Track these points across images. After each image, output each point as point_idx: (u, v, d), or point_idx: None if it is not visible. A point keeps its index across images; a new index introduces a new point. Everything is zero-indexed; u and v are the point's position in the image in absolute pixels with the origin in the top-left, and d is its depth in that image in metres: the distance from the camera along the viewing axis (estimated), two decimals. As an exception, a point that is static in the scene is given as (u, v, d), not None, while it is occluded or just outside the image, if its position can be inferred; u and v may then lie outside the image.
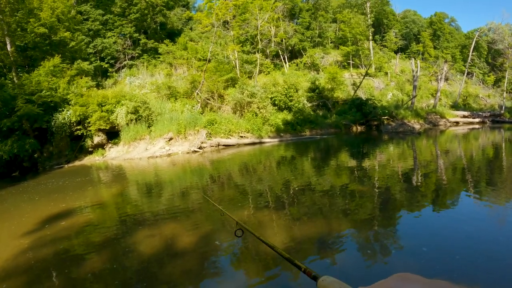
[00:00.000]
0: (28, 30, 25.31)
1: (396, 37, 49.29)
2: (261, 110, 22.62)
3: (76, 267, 4.89)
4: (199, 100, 23.48)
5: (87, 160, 21.20)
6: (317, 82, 29.35)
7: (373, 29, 45.29)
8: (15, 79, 24.31)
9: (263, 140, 20.94)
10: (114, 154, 21.10)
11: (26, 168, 21.30)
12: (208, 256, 4.90)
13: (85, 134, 21.59)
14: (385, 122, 25.60)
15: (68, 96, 21.96)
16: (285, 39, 35.62)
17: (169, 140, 20.14)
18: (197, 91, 23.77)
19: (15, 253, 5.70)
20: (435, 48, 52.03)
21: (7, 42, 24.44)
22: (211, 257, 4.87)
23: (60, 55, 24.28)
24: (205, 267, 4.54)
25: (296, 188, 8.63)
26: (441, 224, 5.53)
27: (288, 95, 24.44)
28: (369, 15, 44.17)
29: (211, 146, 19.80)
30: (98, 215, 7.91)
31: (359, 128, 25.71)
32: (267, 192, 8.50)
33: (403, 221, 5.87)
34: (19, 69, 25.88)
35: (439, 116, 29.19)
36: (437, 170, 10.18)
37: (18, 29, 25.45)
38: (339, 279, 0.79)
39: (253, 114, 22.45)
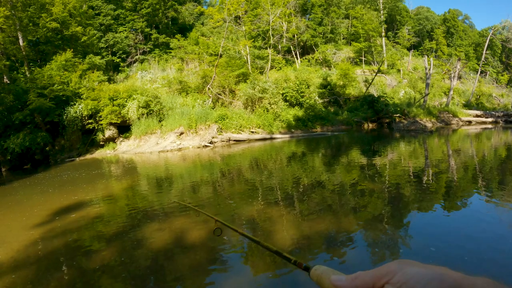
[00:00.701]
0: (40, 25, 25.56)
1: (409, 34, 48.76)
2: (272, 106, 22.52)
3: (85, 259, 4.90)
4: (210, 95, 23.46)
5: (98, 154, 21.34)
6: (328, 79, 29.15)
7: (385, 26, 44.87)
8: (27, 73, 24.58)
9: (274, 136, 20.85)
10: (125, 148, 21.21)
11: (38, 161, 21.52)
12: (216, 251, 4.88)
13: (96, 128, 21.76)
14: (397, 120, 25.34)
15: (80, 90, 22.14)
16: (297, 35, 35.43)
17: (180, 135, 20.15)
18: (208, 86, 23.75)
19: (26, 244, 5.75)
20: (448, 45, 51.40)
21: (19, 37, 24.69)
22: (220, 252, 4.85)
23: (72, 50, 24.50)
24: (213, 262, 4.52)
25: (306, 185, 8.54)
26: (451, 225, 5.42)
27: (299, 91, 24.33)
28: (382, 11, 43.75)
29: (222, 141, 19.78)
30: (109, 208, 7.93)
31: (370, 125, 25.46)
32: (277, 188, 8.43)
33: (412, 220, 5.77)
34: (31, 64, 26.15)
35: (451, 115, 28.79)
36: (448, 169, 9.98)
37: (30, 24, 25.71)
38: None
39: (264, 110, 22.38)
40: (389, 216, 5.96)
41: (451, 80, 33.20)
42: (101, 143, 22.28)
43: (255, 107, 22.77)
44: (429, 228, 5.32)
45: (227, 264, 4.41)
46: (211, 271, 4.27)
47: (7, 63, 23.94)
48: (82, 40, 28.03)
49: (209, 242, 5.16)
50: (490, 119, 29.93)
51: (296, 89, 24.31)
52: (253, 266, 4.33)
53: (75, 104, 21.63)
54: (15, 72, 25.12)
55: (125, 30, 34.17)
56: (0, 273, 4.68)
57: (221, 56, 26.09)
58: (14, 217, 7.96)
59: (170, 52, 32.79)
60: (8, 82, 23.45)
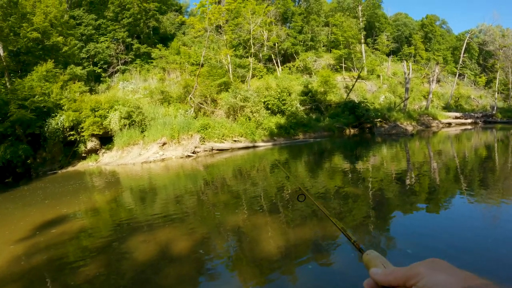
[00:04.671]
0: (21, 34, 25.21)
1: (388, 40, 49.68)
2: (254, 114, 22.67)
3: (70, 274, 4.89)
4: (192, 105, 23.49)
5: (81, 166, 21.12)
6: (309, 86, 29.50)
7: (365, 32, 45.63)
8: (7, 84, 24.16)
9: (257, 144, 20.98)
10: (108, 160, 21.04)
11: (19, 174, 21.15)
12: (203, 261, 4.93)
13: (78, 139, 21.49)
14: (378, 124, 25.79)
15: (61, 101, 21.88)
16: (277, 43, 35.75)
17: (163, 145, 20.10)
18: (190, 95, 23.79)
19: (9, 259, 5.71)
20: (426, 50, 52.53)
21: (0, 47, 24.32)
22: (207, 261, 4.90)
23: (53, 60, 24.20)
24: (200, 272, 4.57)
25: (291, 192, 8.67)
26: (434, 225, 5.63)
27: (281, 99, 24.51)
28: (361, 19, 44.50)
29: (205, 151, 19.80)
30: (92, 221, 7.91)
31: (352, 130, 25.82)
32: (261, 196, 8.55)
33: (397, 223, 5.95)
34: (11, 74, 25.74)
35: (431, 118, 29.47)
36: (430, 171, 10.29)
37: (11, 34, 25.33)
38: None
39: (246, 118, 22.49)
40: (373, 219, 6.14)
41: (430, 84, 33.99)
42: (83, 155, 22.02)
43: (237, 115, 22.88)
44: (413, 230, 5.50)
45: (215, 274, 4.46)
46: (199, 282, 4.32)
47: None
48: (63, 50, 27.74)
49: (196, 252, 5.20)
50: (469, 120, 30.78)
51: (277, 97, 24.49)
52: (240, 275, 4.39)
53: (56, 116, 21.35)
54: (-5, 83, 24.77)
55: (107, 40, 33.92)
56: None
57: (202, 65, 26.17)
58: None
59: (152, 62, 32.70)
60: None
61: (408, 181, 8.92)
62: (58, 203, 10.39)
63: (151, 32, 36.34)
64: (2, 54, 24.41)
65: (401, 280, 0.62)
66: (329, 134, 24.55)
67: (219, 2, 32.36)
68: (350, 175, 10.33)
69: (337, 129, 25.44)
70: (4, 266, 5.45)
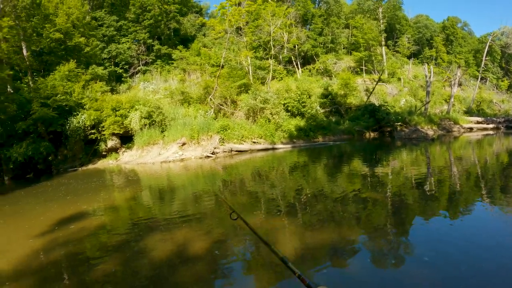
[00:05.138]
0: (43, 35, 25.76)
1: (409, 42, 48.96)
2: (274, 116, 22.63)
3: (87, 269, 4.95)
4: (212, 106, 23.61)
5: (101, 164, 21.45)
6: (329, 88, 29.30)
7: (385, 35, 45.10)
8: (30, 83, 24.71)
9: (276, 146, 20.93)
10: (128, 158, 21.30)
11: (41, 170, 21.63)
12: (219, 262, 4.91)
13: (99, 138, 21.82)
14: (398, 128, 25.43)
15: (83, 101, 22.25)
16: (297, 45, 35.66)
17: (182, 145, 20.23)
18: (210, 96, 23.91)
19: (28, 253, 5.80)
20: (448, 53, 51.52)
21: (23, 47, 24.87)
22: (223, 262, 4.89)
23: (75, 60, 24.64)
24: (216, 272, 4.57)
25: (309, 195, 8.63)
26: (453, 233, 5.49)
27: (301, 101, 24.43)
28: (381, 21, 44.04)
29: (224, 152, 19.84)
30: (111, 218, 8.02)
31: (372, 134, 25.55)
32: (279, 198, 8.52)
33: (415, 229, 5.83)
34: (34, 73, 26.31)
35: (452, 122, 28.89)
36: (450, 177, 10.07)
37: (34, 34, 25.92)
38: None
39: (266, 120, 22.47)
40: (392, 225, 6.04)
41: (451, 87, 33.37)
42: (103, 153, 22.36)
43: (257, 117, 22.88)
44: (431, 237, 5.37)
45: (231, 276, 4.45)
46: (214, 282, 4.32)
47: (11, 72, 24.01)
48: (85, 50, 28.26)
49: (212, 253, 5.20)
50: (491, 125, 30.03)
51: (297, 99, 24.40)
52: (256, 278, 4.38)
53: (78, 114, 21.74)
54: (18, 81, 25.20)
55: (128, 41, 34.44)
56: (2, 282, 4.76)
57: (222, 67, 26.26)
58: (16, 227, 8.06)
59: (172, 63, 33.00)
60: (12, 91, 23.58)
61: (427, 187, 8.75)
62: (79, 199, 10.57)
63: (172, 34, 36.73)
64: (25, 53, 24.97)
65: None
66: (348, 137, 24.33)
67: (239, 4, 32.46)
68: (369, 179, 10.20)
69: (357, 133, 25.20)
70: (23, 259, 5.56)
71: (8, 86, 23.49)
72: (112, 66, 32.99)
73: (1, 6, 24.48)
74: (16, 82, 24.81)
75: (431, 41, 52.51)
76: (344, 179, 10.54)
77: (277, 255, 0.89)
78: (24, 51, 24.93)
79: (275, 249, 0.93)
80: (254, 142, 21.01)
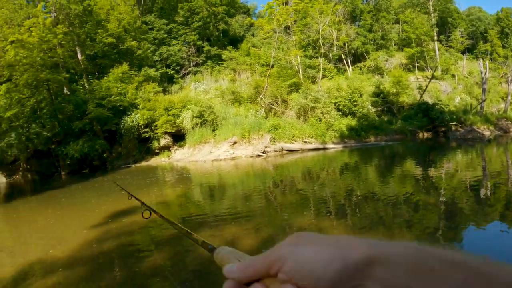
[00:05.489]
0: (96, 40, 26.99)
1: (462, 37, 46.73)
2: (325, 115, 22.43)
3: (137, 261, 5.10)
4: (262, 105, 23.78)
5: (154, 161, 22.19)
6: (381, 86, 28.56)
7: (437, 29, 43.30)
8: (86, 85, 26.02)
9: (327, 146, 20.73)
10: (180, 156, 21.89)
11: (96, 166, 22.74)
12: None
13: (152, 136, 22.60)
14: (453, 128, 24.38)
15: (136, 101, 23.11)
16: (347, 43, 35.12)
17: (233, 144, 20.50)
18: (261, 96, 24.10)
19: (81, 243, 6.08)
20: (503, 47, 48.63)
21: (78, 52, 26.24)
22: None
23: (128, 63, 25.56)
24: None
25: (359, 196, 8.48)
26: (509, 242, 5.24)
27: (352, 100, 24.03)
28: (432, 14, 42.32)
29: (275, 151, 19.91)
30: (162, 213, 8.19)
31: (425, 134, 24.66)
32: (329, 199, 8.41)
33: (469, 237, 5.56)
34: (89, 76, 27.67)
35: (510, 122, 27.24)
36: (508, 181, 9.52)
37: (88, 40, 27.21)
38: None
39: (317, 120, 22.31)
40: (444, 230, 5.81)
41: (508, 84, 31.51)
42: (156, 151, 23.13)
43: (308, 116, 22.78)
44: (486, 245, 5.06)
45: None
46: None
47: (67, 75, 25.41)
48: (137, 53, 29.38)
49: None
50: (553, 126, 28.07)
51: (348, 98, 24.00)
52: None
53: (131, 114, 22.64)
54: (74, 83, 26.73)
55: (178, 43, 35.46)
56: (56, 268, 4.99)
57: (272, 66, 26.34)
58: (72, 217, 8.51)
59: (222, 64, 33.50)
60: (68, 93, 25.04)
61: (483, 191, 8.30)
62: (133, 194, 10.95)
63: (221, 35, 37.43)
64: (80, 58, 26.34)
65: (263, 270, 0.48)
66: (401, 138, 23.61)
67: (286, 3, 32.47)
68: (421, 182, 9.85)
69: (409, 132, 24.41)
70: (76, 249, 5.83)
71: (65, 88, 24.96)
72: (164, 68, 34.10)
73: (55, 14, 26.07)
74: (72, 84, 26.28)
75: (485, 34, 49.93)
76: (396, 181, 10.27)
77: (180, 231, 0.91)
78: (79, 55, 26.27)
79: (179, 224, 0.94)
80: (305, 142, 20.93)
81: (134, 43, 28.57)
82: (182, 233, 0.96)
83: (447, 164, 13.29)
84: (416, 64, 37.55)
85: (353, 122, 23.36)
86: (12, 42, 21.98)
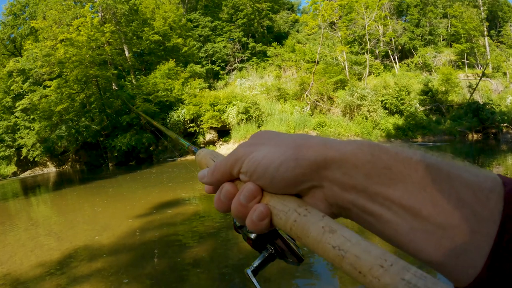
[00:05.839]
0: (143, 38, 27.96)
1: (514, 32, 44.39)
2: (371, 114, 22.20)
3: (178, 251, 5.28)
4: (308, 102, 23.83)
5: (199, 156, 22.80)
6: (430, 84, 27.72)
7: (487, 24, 41.32)
8: (133, 81, 27.03)
9: (373, 145, 20.54)
10: (225, 151, 22.32)
11: (142, 158, 23.69)
12: (305, 258, 4.99)
13: (197, 131, 23.20)
14: (504, 130, 23.35)
15: (182, 96, 23.79)
16: (394, 38, 34.35)
17: (279, 141, 20.74)
18: (306, 93, 24.15)
19: (126, 231, 6.41)
20: (558, 41, 45.82)
21: (125, 49, 27.30)
22: (308, 258, 4.66)
23: (174, 59, 26.35)
24: (301, 269, 4.46)
25: None
26: None
27: (399, 98, 23.55)
28: (482, 8, 40.43)
29: (320, 149, 19.97)
30: (205, 207, 8.34)
31: (475, 136, 23.78)
32: None
33: None
34: (136, 72, 28.72)
35: None
36: None
37: (134, 38, 28.20)
38: None
39: (363, 118, 22.11)
40: None
41: None
42: (201, 145, 23.67)
43: (354, 114, 22.62)
44: None
45: (315, 273, 4.43)
46: (297, 276, 4.32)
47: (115, 72, 26.51)
48: (183, 50, 30.13)
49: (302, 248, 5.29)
50: None
51: (395, 96, 23.52)
52: (340, 279, 4.22)
53: (178, 109, 23.36)
54: (122, 80, 27.87)
55: (223, 40, 36.04)
56: (101, 255, 5.30)
57: (318, 63, 26.24)
58: (118, 207, 8.91)
59: (267, 60, 33.75)
60: (116, 88, 26.15)
61: None
62: (178, 187, 11.37)
63: (266, 31, 37.65)
64: (127, 55, 27.38)
65: (226, 172, 0.48)
66: (449, 139, 22.84)
67: (331, -2, 32.16)
68: None
69: (458, 133, 23.62)
70: (121, 236, 6.14)
71: (113, 84, 26.10)
72: (209, 64, 34.75)
73: (102, 14, 27.23)
74: (120, 80, 27.40)
75: (539, 28, 47.10)
76: None
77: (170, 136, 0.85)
78: (126, 53, 27.33)
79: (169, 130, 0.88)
80: (351, 140, 20.86)
81: (179, 40, 29.33)
82: (171, 137, 0.96)
83: (496, 169, 12.89)
84: (465, 61, 36.18)
85: (400, 121, 22.92)
86: (62, 40, 23.23)
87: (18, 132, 27.23)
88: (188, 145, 0.82)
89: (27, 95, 26.68)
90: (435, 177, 0.35)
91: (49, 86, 23.72)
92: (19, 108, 26.56)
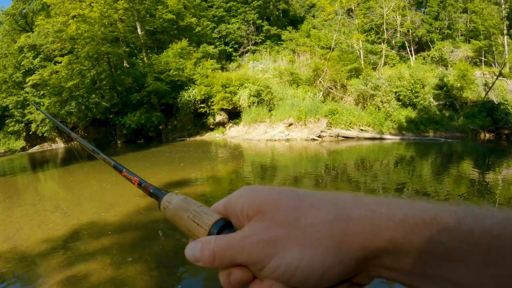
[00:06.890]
0: (156, 16, 27.64)
1: (534, 32, 43.44)
2: (384, 104, 21.87)
3: (183, 235, 5.26)
4: (321, 89, 23.49)
5: (208, 136, 22.69)
6: (445, 79, 27.24)
7: (508, 22, 40.40)
8: (145, 59, 26.84)
9: (384, 136, 20.24)
10: (234, 133, 22.26)
11: (151, 137, 23.70)
12: None
13: (208, 112, 23.12)
14: (516, 132, 22.95)
15: (194, 77, 23.61)
16: (411, 30, 33.70)
17: (289, 126, 20.54)
18: (319, 79, 23.80)
19: (132, 210, 6.40)
20: None
21: (138, 27, 26.99)
22: None
23: (187, 39, 26.09)
24: None
25: (410, 191, 8.27)
26: None
27: (413, 91, 23.14)
28: (503, 6, 39.50)
29: (330, 136, 19.76)
30: (211, 188, 8.42)
31: (487, 135, 23.38)
32: (379, 191, 8.21)
33: None
34: (148, 50, 28.49)
35: None
36: None
37: (147, 15, 27.89)
38: None
39: (375, 108, 21.78)
40: None
41: None
42: (211, 126, 23.66)
43: (367, 104, 22.28)
44: None
45: None
46: None
47: (127, 49, 26.40)
48: (196, 30, 29.80)
49: None
50: None
51: (410, 88, 23.08)
52: None
53: (189, 89, 23.21)
54: (134, 57, 27.67)
55: (237, 22, 35.64)
56: (106, 232, 5.31)
57: (333, 49, 25.75)
58: (126, 184, 8.68)
59: (282, 44, 33.36)
60: (128, 66, 26.02)
61: None
62: (184, 167, 11.36)
63: (281, 15, 37.15)
64: (140, 33, 27.09)
65: (235, 264, 0.39)
66: (461, 136, 22.44)
67: (349, -16, 31.50)
68: (476, 185, 9.38)
69: (471, 131, 23.24)
70: (127, 214, 6.14)
71: (125, 61, 25.94)
72: (222, 45, 34.48)
73: None
74: (132, 58, 27.26)
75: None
76: (450, 181, 9.81)
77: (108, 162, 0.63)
78: (139, 30, 27.06)
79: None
80: (362, 130, 20.60)
81: (193, 19, 28.98)
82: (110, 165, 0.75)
83: (506, 170, 12.63)
84: (483, 58, 35.50)
85: (413, 114, 22.55)
86: (74, 16, 23.03)
87: (28, 107, 27.27)
88: (143, 183, 0.59)
89: (38, 71, 26.62)
90: (499, 250, 0.29)
91: (60, 62, 23.77)
92: (29, 84, 26.56)
